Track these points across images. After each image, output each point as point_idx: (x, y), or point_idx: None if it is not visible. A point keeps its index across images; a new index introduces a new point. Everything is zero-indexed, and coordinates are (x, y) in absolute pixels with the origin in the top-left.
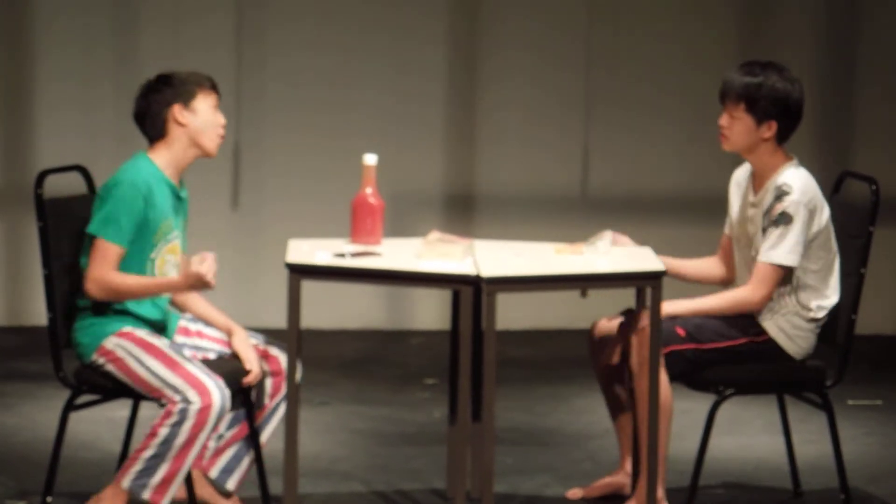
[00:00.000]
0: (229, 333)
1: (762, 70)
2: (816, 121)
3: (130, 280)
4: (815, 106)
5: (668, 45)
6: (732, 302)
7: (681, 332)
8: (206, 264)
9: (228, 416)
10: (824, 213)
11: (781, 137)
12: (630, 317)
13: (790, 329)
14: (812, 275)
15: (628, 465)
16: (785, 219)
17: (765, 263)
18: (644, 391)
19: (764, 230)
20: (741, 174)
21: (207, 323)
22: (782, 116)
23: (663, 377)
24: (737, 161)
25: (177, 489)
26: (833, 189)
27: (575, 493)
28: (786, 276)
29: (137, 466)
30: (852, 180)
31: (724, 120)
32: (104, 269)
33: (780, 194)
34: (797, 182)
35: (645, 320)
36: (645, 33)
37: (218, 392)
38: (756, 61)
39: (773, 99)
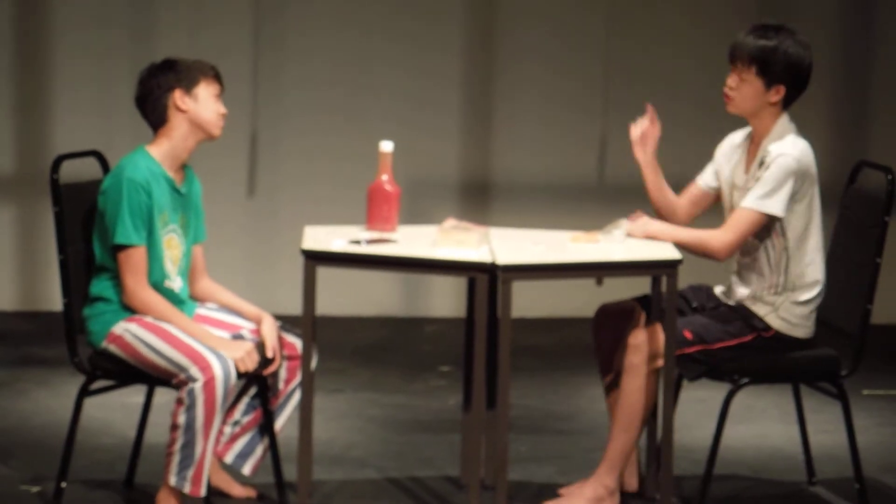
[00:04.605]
0: (258, 321)
1: (776, 34)
2: (833, 110)
3: (169, 310)
4: (832, 95)
5: (690, 25)
6: (698, 240)
7: (688, 335)
8: (251, 358)
9: (244, 403)
10: (810, 182)
11: (786, 103)
12: (642, 307)
13: (792, 318)
14: (798, 259)
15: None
16: (772, 169)
17: (741, 209)
18: (633, 390)
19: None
20: (738, 139)
21: (236, 313)
22: (792, 81)
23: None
24: None
25: (207, 473)
26: (849, 179)
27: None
28: (777, 265)
29: (176, 460)
30: (868, 170)
31: (732, 81)
32: (139, 280)
33: (776, 156)
34: (793, 148)
35: (652, 319)
36: (665, 13)
37: (218, 363)
38: (768, 24)
39: (786, 63)
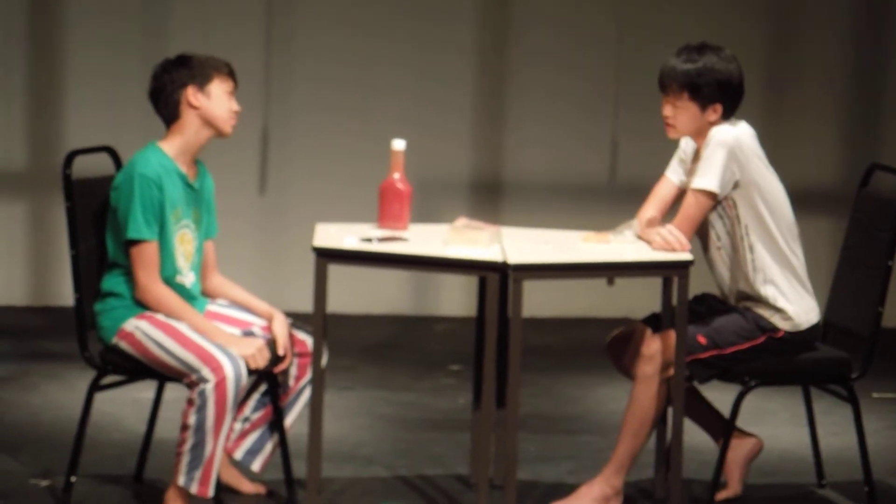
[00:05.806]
0: (270, 319)
1: (700, 55)
2: (845, 112)
3: (181, 306)
4: (844, 97)
5: (701, 27)
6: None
7: (702, 339)
8: (262, 355)
9: (254, 399)
10: (758, 159)
11: (727, 115)
12: (650, 324)
13: (793, 314)
14: (766, 245)
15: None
16: (707, 149)
17: (687, 194)
18: (644, 398)
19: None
20: (690, 150)
21: (247, 309)
22: (726, 97)
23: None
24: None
25: (216, 473)
26: (861, 182)
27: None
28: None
29: (185, 460)
30: (880, 173)
31: (667, 110)
32: (151, 275)
33: (709, 137)
34: (728, 126)
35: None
36: (676, 15)
37: (229, 364)
38: (691, 45)
39: (716, 83)
